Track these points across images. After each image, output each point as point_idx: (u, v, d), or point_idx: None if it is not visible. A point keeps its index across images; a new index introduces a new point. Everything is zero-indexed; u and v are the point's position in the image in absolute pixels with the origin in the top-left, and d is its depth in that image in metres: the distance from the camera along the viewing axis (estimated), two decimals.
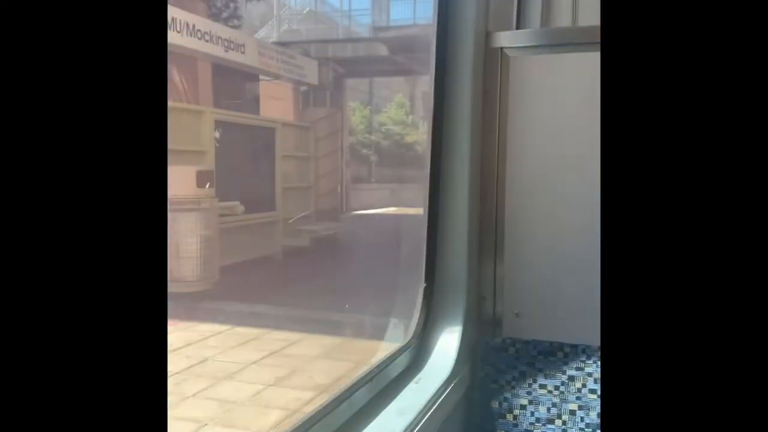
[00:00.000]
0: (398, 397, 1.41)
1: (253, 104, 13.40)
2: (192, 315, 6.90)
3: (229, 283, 7.76)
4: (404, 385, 1.49)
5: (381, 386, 1.40)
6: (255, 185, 9.34)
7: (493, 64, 1.79)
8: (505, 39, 1.77)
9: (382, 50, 14.65)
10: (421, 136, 21.17)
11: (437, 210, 1.78)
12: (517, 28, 1.87)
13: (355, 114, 19.90)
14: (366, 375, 1.33)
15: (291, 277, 8.66)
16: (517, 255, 1.85)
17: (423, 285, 1.74)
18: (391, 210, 17.56)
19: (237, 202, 8.35)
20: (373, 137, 20.49)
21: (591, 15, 1.79)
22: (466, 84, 1.73)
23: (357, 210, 15.68)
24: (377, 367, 1.40)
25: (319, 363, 5.22)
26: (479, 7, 1.72)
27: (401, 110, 21.58)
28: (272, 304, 7.22)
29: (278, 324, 6.56)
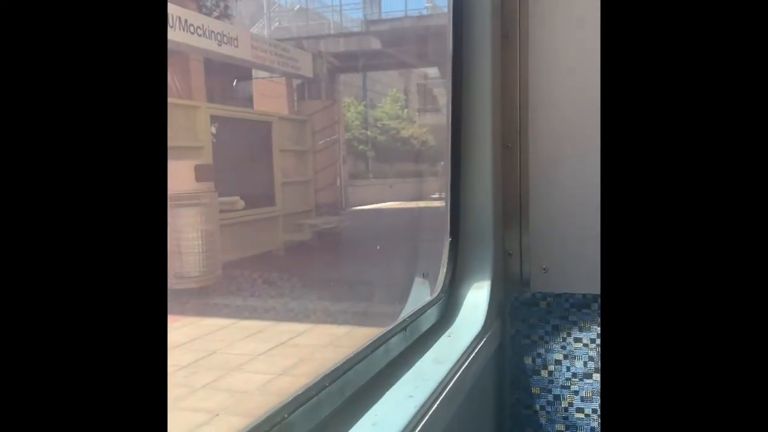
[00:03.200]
0: (433, 348, 1.35)
1: (248, 97, 13.33)
2: (196, 310, 6.83)
3: (231, 278, 7.69)
4: (437, 338, 1.43)
5: (415, 336, 1.33)
6: (253, 180, 9.26)
7: (511, 7, 1.72)
8: None
9: (375, 44, 14.61)
10: (417, 130, 21.13)
11: (459, 164, 1.71)
12: None
13: (350, 110, 19.82)
14: (399, 324, 1.27)
15: (293, 272, 8.59)
16: (543, 209, 1.78)
17: (448, 240, 1.67)
18: (390, 204, 17.53)
19: (237, 198, 8.28)
20: (369, 133, 20.43)
21: None
22: (485, 30, 1.66)
23: (356, 205, 15.64)
24: (410, 317, 1.33)
25: (327, 351, 5.15)
26: None
27: (396, 105, 21.52)
28: (275, 297, 7.16)
29: (283, 316, 6.50)
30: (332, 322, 6.18)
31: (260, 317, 6.39)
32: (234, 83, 12.63)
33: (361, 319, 6.24)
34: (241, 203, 8.40)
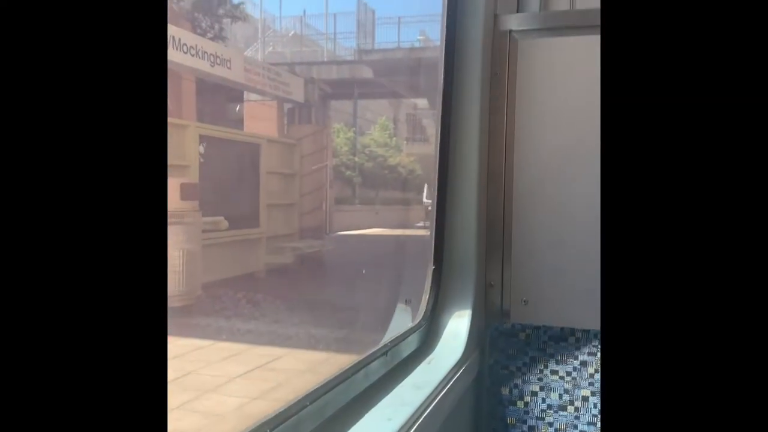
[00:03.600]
0: (412, 374, 1.37)
1: (239, 119, 13.37)
2: (173, 330, 6.73)
3: (211, 299, 7.61)
4: (417, 364, 1.45)
5: (395, 361, 1.35)
6: (239, 201, 9.24)
7: (501, 48, 1.79)
8: (514, 22, 1.78)
9: (367, 73, 14.80)
10: (404, 158, 21.30)
11: (446, 194, 1.76)
12: (518, 11, 1.86)
13: (339, 136, 19.95)
14: (380, 348, 1.29)
15: (273, 294, 8.53)
16: (525, 243, 1.82)
17: (431, 268, 1.70)
18: (375, 231, 17.54)
19: (221, 218, 8.24)
20: (356, 159, 20.54)
21: None
22: (475, 67, 1.72)
23: (341, 230, 15.63)
24: (391, 342, 1.35)
25: (305, 377, 5.11)
26: None
27: (385, 132, 21.71)
28: (255, 319, 7.09)
29: (262, 339, 6.43)
30: (311, 347, 6.13)
31: (238, 339, 6.32)
32: (225, 104, 12.69)
33: (340, 345, 6.20)
34: (225, 224, 8.35)
